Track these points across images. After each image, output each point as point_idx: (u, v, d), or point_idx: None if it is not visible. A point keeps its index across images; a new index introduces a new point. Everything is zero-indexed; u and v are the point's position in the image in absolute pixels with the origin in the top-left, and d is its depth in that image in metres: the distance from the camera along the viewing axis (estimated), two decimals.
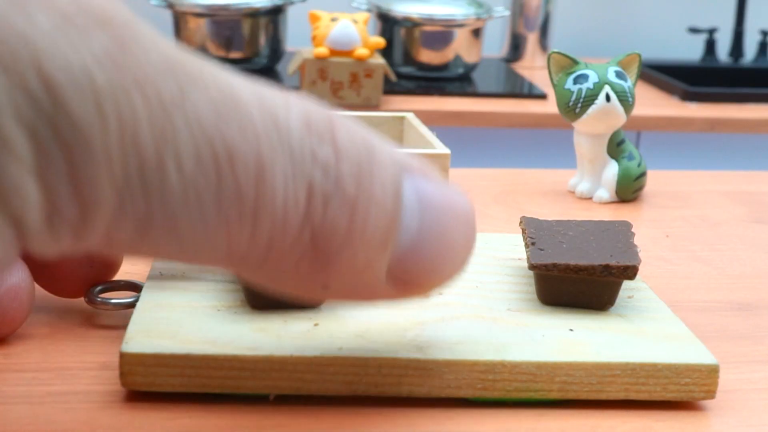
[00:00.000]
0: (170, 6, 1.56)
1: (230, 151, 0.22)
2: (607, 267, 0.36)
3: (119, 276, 0.42)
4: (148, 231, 0.22)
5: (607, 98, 0.58)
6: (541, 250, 0.37)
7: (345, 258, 0.24)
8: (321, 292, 0.26)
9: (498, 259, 0.42)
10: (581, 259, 0.36)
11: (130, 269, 0.43)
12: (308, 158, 0.23)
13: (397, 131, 0.62)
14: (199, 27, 1.55)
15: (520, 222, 0.41)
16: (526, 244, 0.39)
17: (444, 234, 0.26)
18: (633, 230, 0.40)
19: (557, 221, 0.41)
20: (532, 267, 0.37)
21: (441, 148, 0.55)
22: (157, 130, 0.21)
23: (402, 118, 0.62)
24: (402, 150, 0.26)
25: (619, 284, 0.37)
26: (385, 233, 0.25)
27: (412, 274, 0.26)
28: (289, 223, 0.23)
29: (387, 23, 1.64)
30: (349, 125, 0.24)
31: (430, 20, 1.61)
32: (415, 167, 0.26)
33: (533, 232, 0.39)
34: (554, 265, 0.36)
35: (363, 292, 0.26)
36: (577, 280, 0.37)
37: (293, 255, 0.24)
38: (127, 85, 0.20)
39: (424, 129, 0.59)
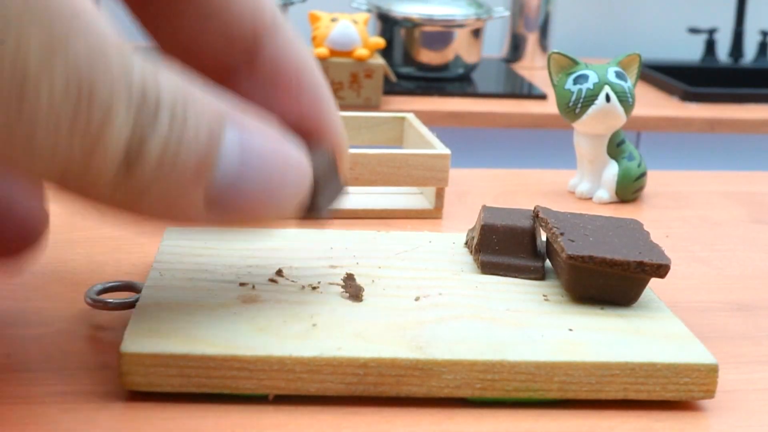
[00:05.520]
0: None
1: (92, 91, 0.26)
2: (641, 264, 0.36)
3: (119, 277, 0.42)
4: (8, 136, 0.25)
5: (607, 98, 0.58)
6: (572, 241, 0.38)
7: (156, 188, 0.28)
8: (138, 215, 0.30)
9: None
10: (614, 253, 0.37)
11: (130, 270, 0.43)
12: (139, 102, 0.27)
13: (398, 132, 0.62)
14: None
15: (536, 211, 0.41)
16: (553, 234, 0.39)
17: (267, 179, 0.30)
18: (645, 229, 0.41)
19: (571, 213, 0.41)
20: (569, 258, 0.37)
21: (441, 149, 0.55)
22: (43, 57, 0.25)
23: (402, 119, 0.62)
24: (238, 106, 0.30)
25: (647, 282, 0.37)
26: (196, 169, 0.29)
27: (230, 207, 0.30)
28: (113, 152, 0.27)
29: (387, 23, 1.64)
30: (172, 77, 0.28)
31: (430, 20, 1.61)
32: (247, 123, 0.30)
33: (555, 222, 0.39)
34: (591, 258, 0.36)
35: (179, 216, 0.30)
36: (610, 274, 0.37)
37: (112, 183, 0.28)
38: (27, 18, 0.24)
39: (424, 129, 0.59)
